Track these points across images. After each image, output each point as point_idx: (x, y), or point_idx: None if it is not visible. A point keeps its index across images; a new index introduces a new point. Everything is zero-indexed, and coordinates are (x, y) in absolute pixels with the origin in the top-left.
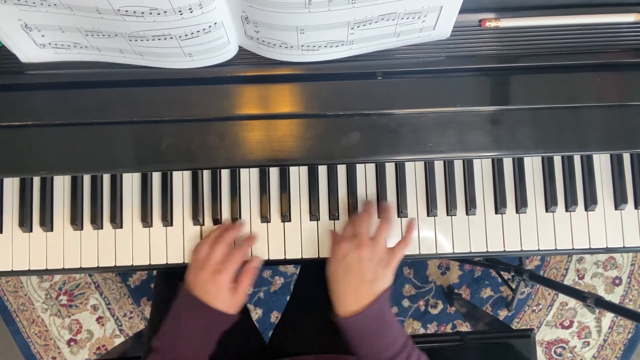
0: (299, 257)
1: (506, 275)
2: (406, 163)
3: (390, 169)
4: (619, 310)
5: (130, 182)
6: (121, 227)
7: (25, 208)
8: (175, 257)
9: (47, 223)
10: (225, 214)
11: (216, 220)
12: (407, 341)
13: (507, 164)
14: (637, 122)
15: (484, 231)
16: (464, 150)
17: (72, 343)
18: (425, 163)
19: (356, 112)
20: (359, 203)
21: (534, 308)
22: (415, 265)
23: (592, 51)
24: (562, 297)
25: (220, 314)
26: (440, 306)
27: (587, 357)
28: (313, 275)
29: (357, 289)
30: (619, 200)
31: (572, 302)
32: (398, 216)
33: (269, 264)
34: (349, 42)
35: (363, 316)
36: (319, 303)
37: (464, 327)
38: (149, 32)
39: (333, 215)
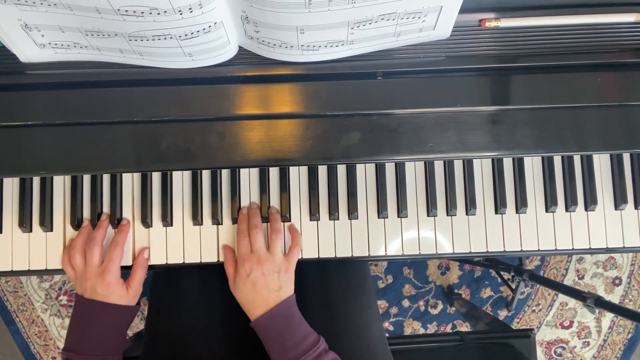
0: (299, 257)
1: (506, 276)
2: (406, 163)
3: (390, 169)
4: (618, 310)
5: (131, 182)
6: None
7: (25, 208)
8: (175, 257)
9: (47, 223)
10: (225, 214)
11: (216, 220)
12: (318, 342)
13: (507, 164)
14: (637, 122)
15: (484, 231)
16: (464, 150)
17: None
18: (425, 163)
19: (356, 112)
20: (359, 203)
21: (534, 308)
22: (415, 265)
23: (592, 51)
24: (562, 297)
25: (121, 308)
26: (440, 306)
27: (587, 357)
28: (310, 275)
29: (267, 298)
30: (619, 200)
31: (572, 302)
32: (398, 216)
33: None
34: (349, 42)
35: (272, 313)
36: (317, 303)
37: (464, 327)
38: (149, 32)
39: (333, 215)
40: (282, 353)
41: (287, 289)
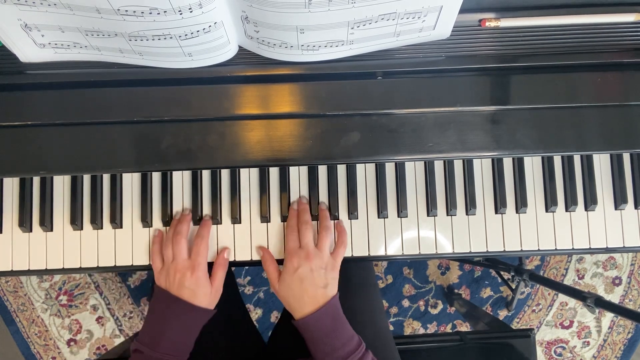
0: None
1: (506, 275)
2: (406, 163)
3: (390, 168)
4: (618, 310)
5: (130, 182)
6: (121, 227)
7: (25, 208)
8: None
9: (47, 223)
10: (225, 214)
11: (216, 221)
12: (361, 342)
13: (507, 163)
14: (637, 122)
15: (484, 231)
16: (464, 150)
17: (72, 343)
18: (425, 163)
19: (356, 112)
20: (359, 203)
21: (534, 308)
22: (415, 265)
23: (592, 51)
24: (562, 297)
25: (202, 310)
26: (440, 306)
27: (587, 357)
28: None
29: (314, 295)
30: (619, 200)
31: (572, 302)
32: (398, 216)
33: None
34: (349, 42)
35: (320, 313)
36: None
37: (464, 327)
38: (149, 32)
39: (333, 215)
40: (329, 353)
41: (333, 286)
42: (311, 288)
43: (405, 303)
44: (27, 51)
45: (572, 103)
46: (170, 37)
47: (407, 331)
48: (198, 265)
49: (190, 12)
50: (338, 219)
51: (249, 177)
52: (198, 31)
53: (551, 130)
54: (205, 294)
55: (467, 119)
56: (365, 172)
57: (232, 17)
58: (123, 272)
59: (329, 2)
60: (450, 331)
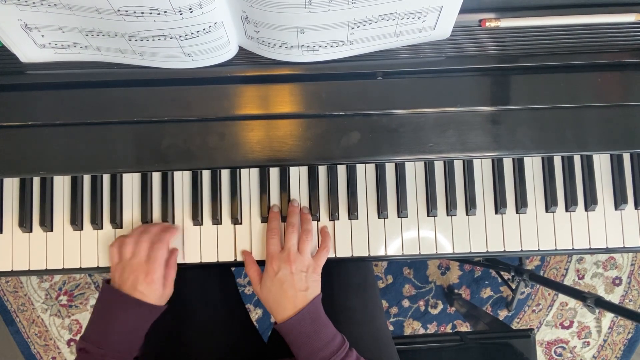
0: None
1: (506, 275)
2: (406, 163)
3: (390, 169)
4: (619, 310)
5: (130, 182)
6: (121, 227)
7: (25, 208)
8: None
9: (47, 223)
10: (225, 214)
11: (216, 221)
12: (344, 342)
13: (507, 164)
14: (637, 122)
15: (484, 231)
16: (464, 150)
17: (72, 343)
18: (425, 163)
19: (356, 112)
20: (359, 203)
21: (534, 308)
22: (415, 265)
23: (592, 51)
24: (562, 297)
25: (153, 307)
26: (440, 306)
27: (587, 357)
28: None
29: (293, 298)
30: (619, 200)
31: (572, 302)
32: (398, 216)
33: None
34: (349, 42)
35: (300, 316)
36: None
37: (464, 327)
38: (149, 32)
39: (333, 215)
40: (310, 355)
41: (314, 289)
42: (291, 291)
43: (406, 303)
44: (28, 51)
45: (572, 103)
46: (171, 38)
47: (407, 331)
48: (154, 271)
49: (191, 12)
50: (338, 219)
51: (249, 177)
52: (198, 31)
53: (551, 130)
54: (157, 297)
55: (467, 119)
56: (365, 172)
57: (232, 17)
58: None
59: (329, 3)
60: (450, 331)
